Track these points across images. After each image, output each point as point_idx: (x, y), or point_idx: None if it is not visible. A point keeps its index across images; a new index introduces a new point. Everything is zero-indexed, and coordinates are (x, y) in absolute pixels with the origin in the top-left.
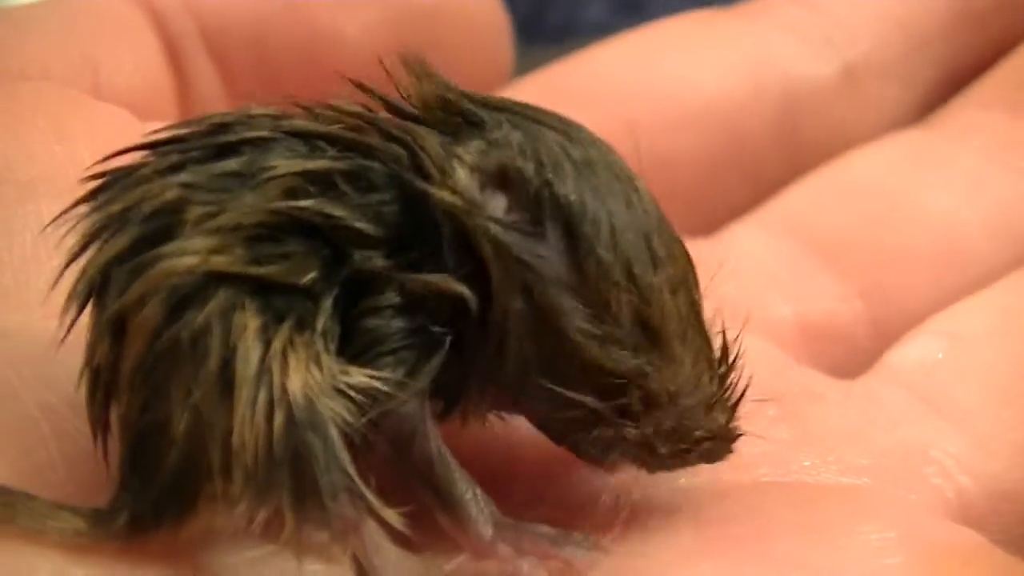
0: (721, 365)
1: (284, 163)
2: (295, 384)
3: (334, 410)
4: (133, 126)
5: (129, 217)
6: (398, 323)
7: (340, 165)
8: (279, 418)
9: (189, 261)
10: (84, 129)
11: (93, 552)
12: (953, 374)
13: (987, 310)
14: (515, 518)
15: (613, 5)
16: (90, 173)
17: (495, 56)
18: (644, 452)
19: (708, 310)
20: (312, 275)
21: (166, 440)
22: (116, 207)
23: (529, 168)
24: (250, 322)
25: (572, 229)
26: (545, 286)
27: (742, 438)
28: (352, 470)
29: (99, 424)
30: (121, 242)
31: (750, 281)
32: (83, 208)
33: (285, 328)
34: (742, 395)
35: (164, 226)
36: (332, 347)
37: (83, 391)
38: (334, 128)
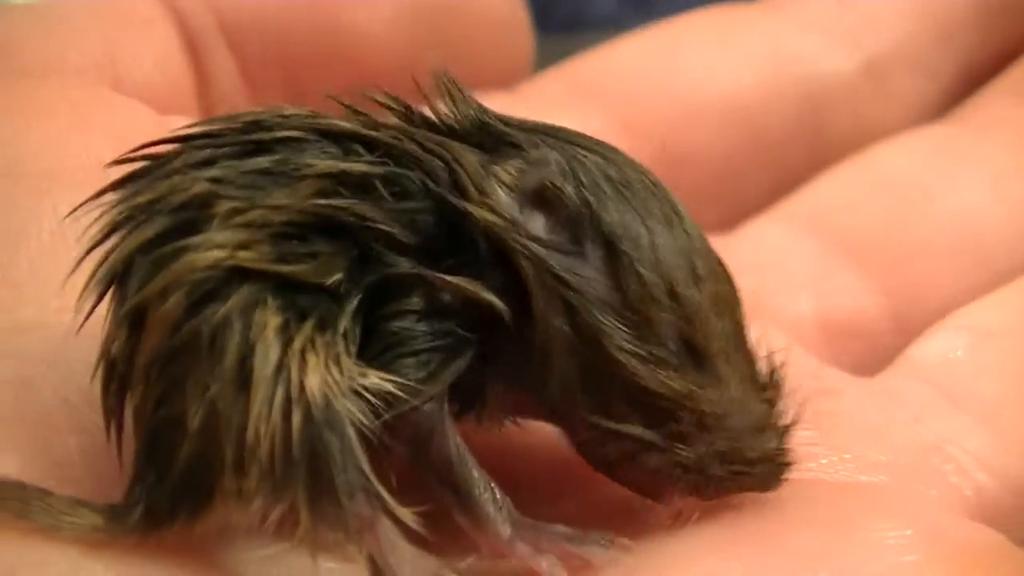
0: (768, 389)
1: (319, 163)
2: (313, 383)
3: (351, 410)
4: (152, 120)
5: (157, 208)
6: (422, 326)
7: (376, 170)
8: (297, 416)
9: (214, 255)
10: (104, 123)
11: (109, 547)
12: (974, 369)
13: (1009, 305)
14: (532, 517)
15: None
16: (117, 160)
17: (515, 50)
18: (697, 476)
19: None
20: (338, 276)
21: (182, 434)
22: (144, 198)
23: (568, 187)
24: (271, 319)
25: (612, 248)
26: (586, 305)
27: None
28: (368, 469)
29: (112, 416)
30: (147, 233)
31: (771, 277)
32: (109, 197)
33: (307, 327)
34: (793, 421)
35: (191, 219)
36: (352, 348)
37: (98, 383)
38: (371, 133)
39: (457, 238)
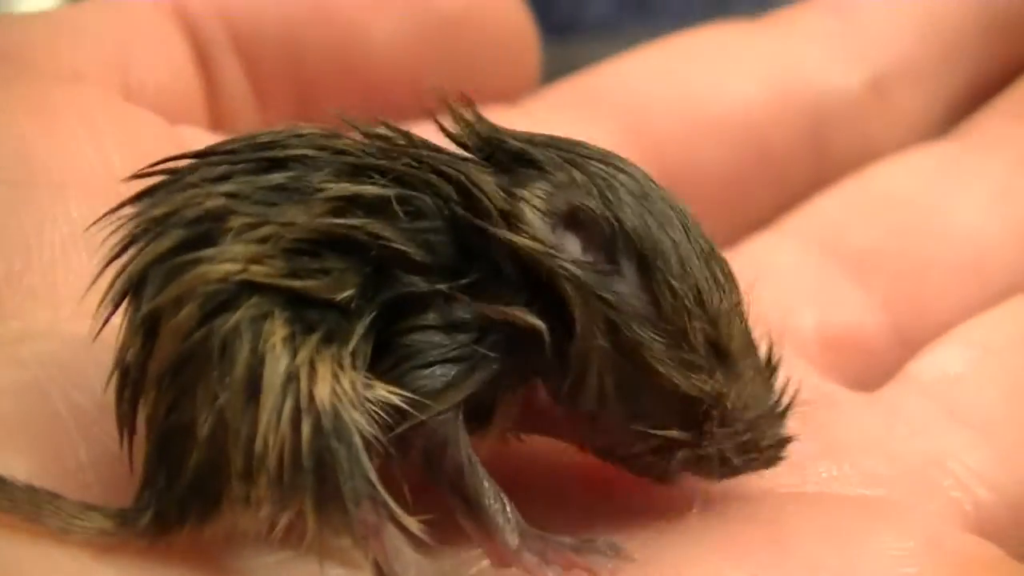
0: (771, 377)
1: (333, 185)
2: (321, 393)
3: (358, 420)
4: (163, 130)
5: (172, 221)
6: (439, 339)
7: (389, 191)
8: (304, 425)
9: (227, 268)
10: (115, 132)
11: (118, 551)
12: (975, 385)
13: (1010, 321)
14: (534, 526)
15: (618, 0)
16: (135, 175)
17: (523, 63)
18: (718, 465)
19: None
20: (349, 292)
21: (191, 441)
22: (159, 211)
23: (598, 207)
24: (278, 331)
25: (645, 263)
26: (626, 321)
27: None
28: (374, 477)
29: (126, 423)
30: (162, 245)
31: (774, 292)
32: (127, 210)
33: (312, 339)
34: (791, 403)
35: (206, 232)
36: (361, 362)
37: (112, 390)
38: (384, 162)
39: (472, 258)
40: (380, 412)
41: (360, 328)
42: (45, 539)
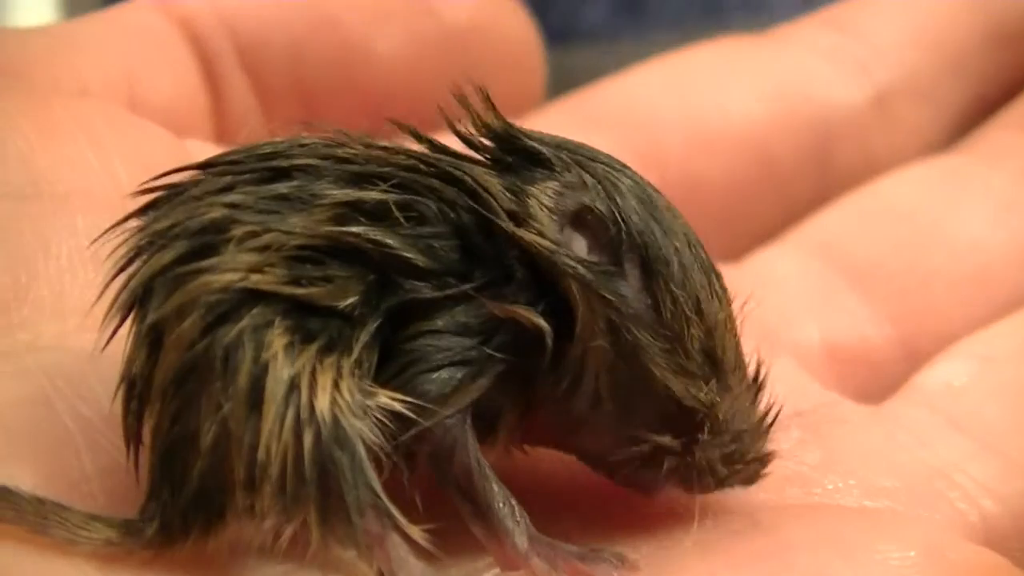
0: (757, 393)
1: (335, 192)
2: (322, 403)
3: (360, 429)
4: (169, 142)
5: (175, 233)
6: (445, 343)
7: (391, 197)
8: (307, 435)
9: (228, 277)
10: (121, 144)
11: (123, 562)
12: (980, 397)
13: (1015, 334)
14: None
15: (613, 6)
16: (140, 189)
17: (528, 73)
18: (702, 476)
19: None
20: (352, 299)
21: (195, 452)
22: (163, 224)
23: (606, 209)
24: (277, 340)
25: (648, 267)
26: (627, 323)
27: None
28: (378, 486)
29: (132, 434)
30: (166, 257)
31: (779, 305)
32: (132, 223)
33: (312, 348)
34: (775, 419)
35: (209, 243)
36: (365, 370)
37: (119, 402)
38: (386, 169)
39: (477, 262)
40: (384, 420)
41: (364, 336)
42: (50, 550)
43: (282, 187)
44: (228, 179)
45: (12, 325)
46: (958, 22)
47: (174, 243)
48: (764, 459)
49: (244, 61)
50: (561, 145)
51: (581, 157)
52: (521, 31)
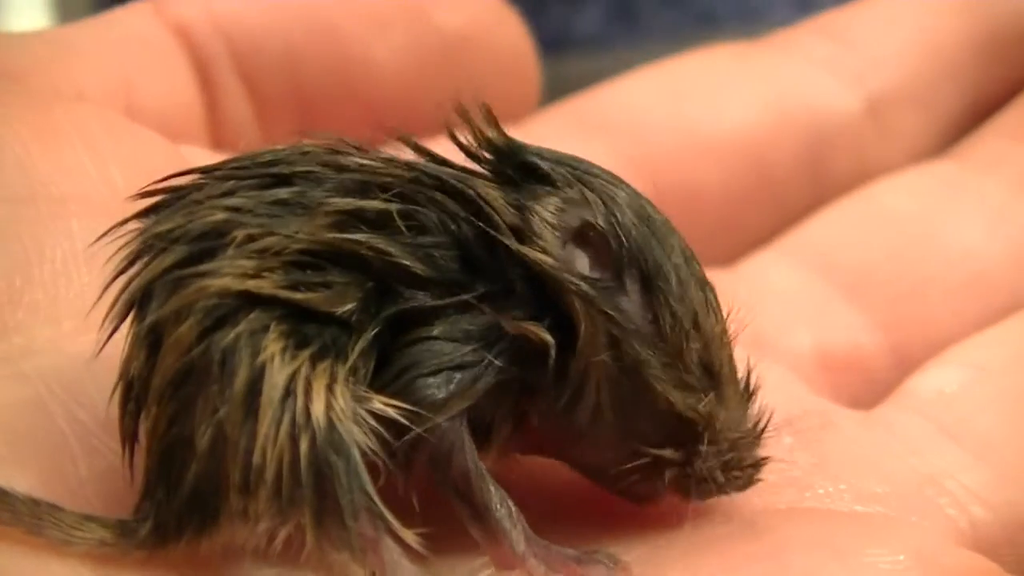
0: (748, 400)
1: (337, 199)
2: (318, 408)
3: (355, 434)
4: (165, 148)
5: (176, 236)
6: (442, 348)
7: (394, 207)
8: (303, 439)
9: (226, 281)
10: (117, 150)
11: (117, 562)
12: (971, 405)
13: (1008, 340)
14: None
15: (607, 15)
16: (141, 192)
17: (523, 81)
18: (703, 484)
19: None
20: (349, 306)
21: (191, 454)
22: (163, 227)
23: (607, 226)
24: (272, 345)
25: (648, 283)
26: (629, 338)
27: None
28: (372, 491)
29: (128, 435)
30: (167, 260)
31: (771, 311)
32: (132, 226)
33: (306, 354)
34: (766, 426)
35: (209, 247)
36: (360, 376)
37: (115, 403)
38: (388, 179)
39: (477, 274)
40: (378, 425)
41: (361, 343)
42: (45, 551)
43: (283, 193)
44: (230, 184)
45: (7, 329)
46: (952, 30)
47: (175, 247)
48: (759, 465)
49: (240, 68)
50: (560, 160)
51: (580, 172)
52: (517, 39)
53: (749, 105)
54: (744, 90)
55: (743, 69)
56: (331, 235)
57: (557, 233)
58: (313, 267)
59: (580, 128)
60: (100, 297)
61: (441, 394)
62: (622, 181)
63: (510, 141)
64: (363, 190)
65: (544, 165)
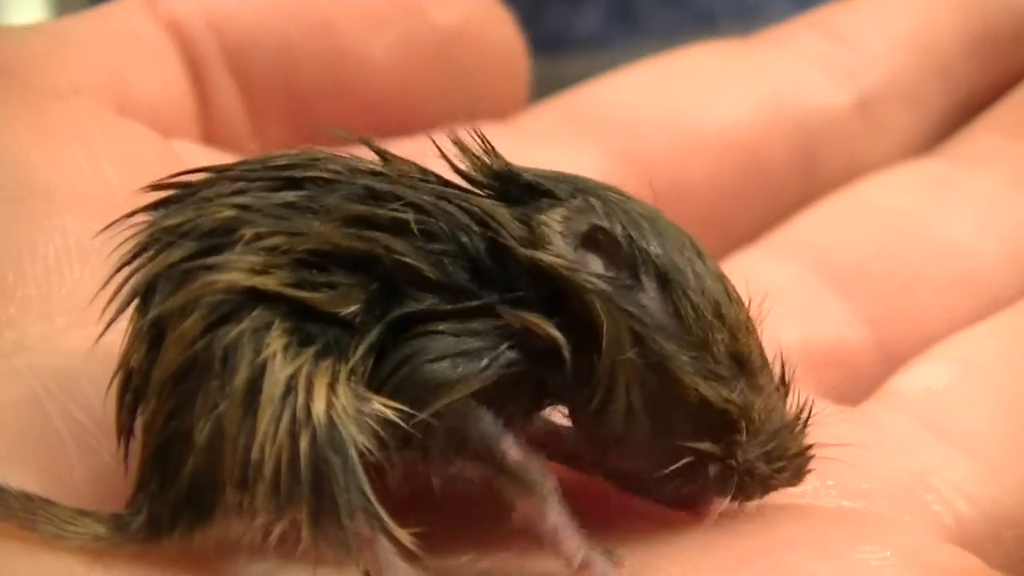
0: (785, 390)
1: (348, 205)
2: (318, 406)
3: (353, 433)
4: (157, 144)
5: (184, 231)
6: (448, 339)
7: (406, 215)
8: (303, 437)
9: (233, 277)
10: (109, 146)
11: (109, 557)
12: (958, 400)
13: (995, 336)
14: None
15: (606, 15)
16: (150, 186)
17: (513, 79)
18: (747, 479)
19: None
20: (354, 307)
21: (188, 448)
22: (171, 222)
23: (616, 227)
24: (275, 342)
25: (665, 279)
26: (653, 334)
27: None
28: (369, 490)
29: (124, 427)
30: (174, 255)
31: (759, 306)
32: (138, 219)
33: (308, 352)
34: (808, 415)
35: (217, 243)
36: (360, 375)
37: (111, 398)
38: (400, 189)
39: (486, 282)
40: (377, 426)
41: (364, 345)
42: (36, 545)
43: (293, 196)
44: (241, 184)
45: None
46: (943, 26)
47: (182, 242)
48: (805, 454)
49: (232, 63)
50: (559, 178)
51: (581, 185)
52: (508, 37)
53: (741, 101)
54: (736, 86)
55: (735, 65)
56: (343, 233)
57: (567, 239)
58: (320, 267)
59: (571, 124)
60: (103, 287)
61: (448, 376)
62: (624, 192)
63: (509, 166)
64: (376, 198)
65: (545, 183)
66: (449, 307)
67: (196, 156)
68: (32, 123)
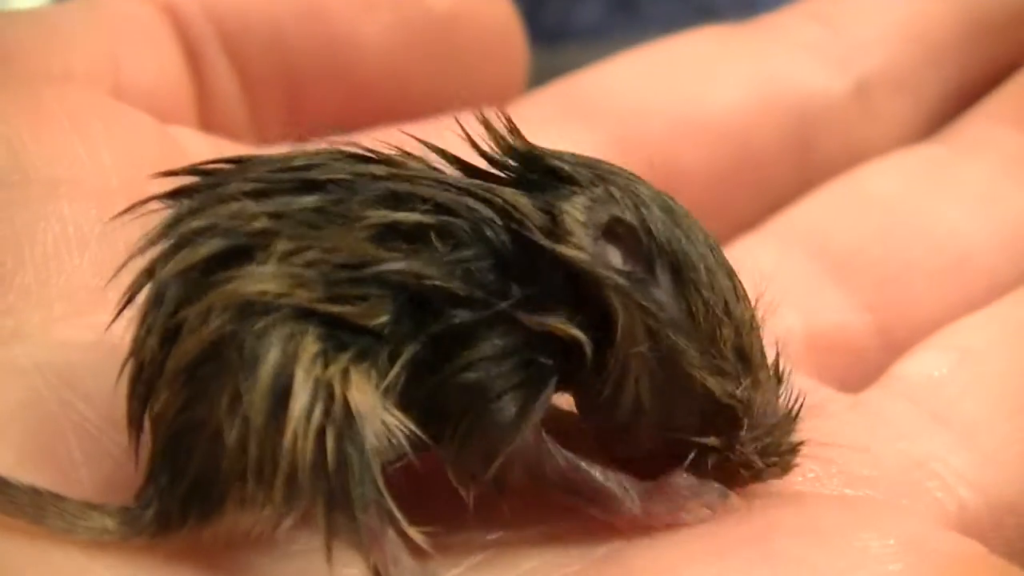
0: (779, 385)
1: (372, 213)
2: (346, 402)
3: (372, 431)
4: (154, 129)
5: (209, 231)
6: (499, 369)
7: (428, 220)
8: (329, 430)
9: (263, 287)
10: (106, 131)
11: (119, 549)
12: (959, 387)
13: (995, 323)
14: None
15: (607, 6)
16: (165, 172)
17: (510, 64)
18: (742, 470)
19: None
20: (383, 318)
21: (201, 440)
22: (200, 222)
23: (635, 220)
24: (309, 345)
25: (678, 273)
26: (665, 328)
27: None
28: (383, 486)
29: (135, 418)
30: (198, 253)
31: (758, 293)
32: (154, 205)
33: (344, 356)
34: (799, 411)
35: (247, 250)
36: (391, 384)
37: (110, 386)
38: (422, 188)
39: (514, 280)
40: (396, 432)
41: (399, 362)
42: (42, 539)
43: (318, 200)
44: (262, 185)
45: None
46: (939, 13)
47: (208, 242)
48: (795, 449)
49: (228, 47)
50: (580, 162)
51: (602, 171)
52: (504, 20)
53: (736, 88)
54: (731, 73)
55: (730, 52)
56: (372, 254)
57: (588, 230)
58: (350, 281)
59: (568, 110)
60: (116, 274)
61: (511, 415)
62: (640, 178)
63: (532, 147)
64: (397, 201)
65: (567, 167)
66: (480, 316)
67: (194, 142)
68: (27, 109)
